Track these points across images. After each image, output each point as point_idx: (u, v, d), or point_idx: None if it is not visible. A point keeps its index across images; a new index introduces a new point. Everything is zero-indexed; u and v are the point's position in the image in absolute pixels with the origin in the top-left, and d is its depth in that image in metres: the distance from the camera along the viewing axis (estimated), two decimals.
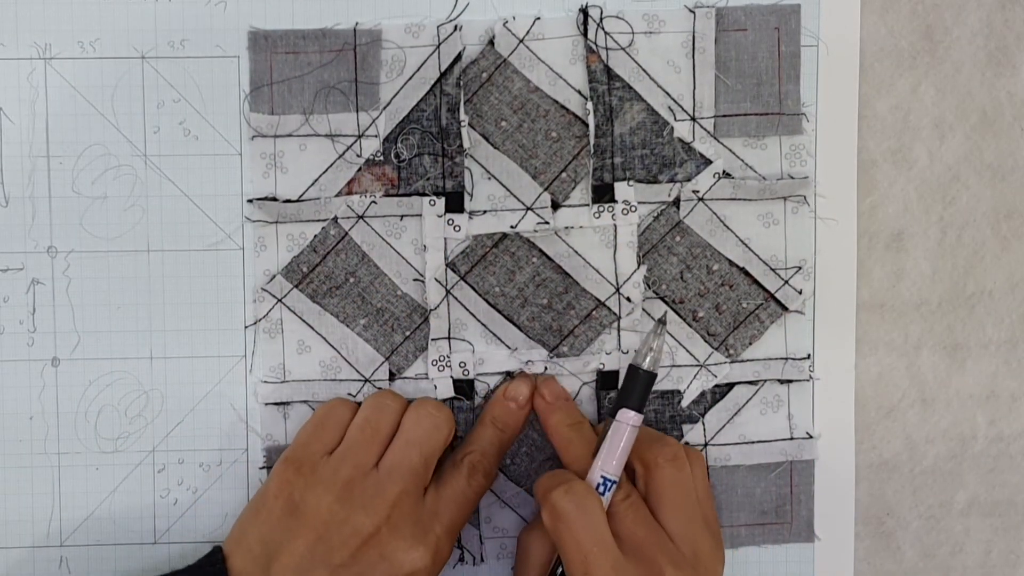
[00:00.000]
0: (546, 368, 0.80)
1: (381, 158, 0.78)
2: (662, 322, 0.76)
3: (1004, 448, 0.83)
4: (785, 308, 0.80)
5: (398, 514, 0.73)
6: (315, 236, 0.79)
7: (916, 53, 0.80)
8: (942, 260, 0.81)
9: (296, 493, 0.73)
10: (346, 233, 0.79)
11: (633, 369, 0.74)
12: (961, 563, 0.83)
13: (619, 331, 0.80)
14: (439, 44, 0.78)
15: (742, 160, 0.79)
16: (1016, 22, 0.80)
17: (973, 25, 0.80)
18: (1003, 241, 0.81)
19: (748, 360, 0.81)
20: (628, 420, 0.73)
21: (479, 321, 0.80)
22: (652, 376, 0.74)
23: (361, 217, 0.79)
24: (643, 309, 0.80)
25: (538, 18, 0.78)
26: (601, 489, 0.72)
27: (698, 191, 0.79)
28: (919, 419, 0.82)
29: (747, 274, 0.80)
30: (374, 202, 0.79)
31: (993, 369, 0.82)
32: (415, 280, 0.79)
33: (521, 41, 0.78)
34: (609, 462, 0.73)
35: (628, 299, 0.80)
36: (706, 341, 0.81)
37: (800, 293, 0.80)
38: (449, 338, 0.80)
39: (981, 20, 0.80)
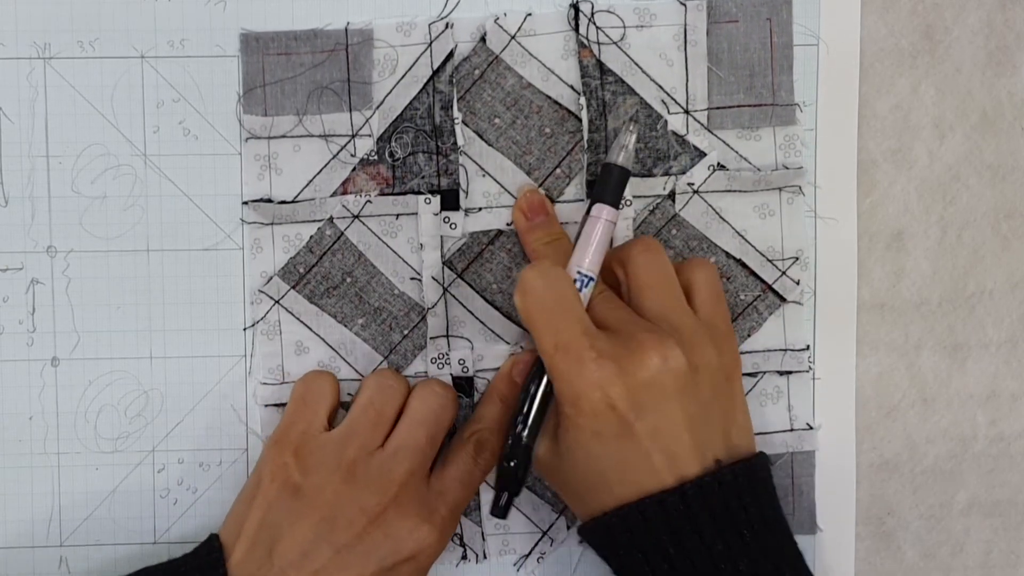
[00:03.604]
0: None
1: (375, 157, 0.70)
2: (634, 120, 0.68)
3: (1005, 448, 0.75)
4: (783, 299, 0.72)
5: (405, 493, 0.64)
6: (311, 237, 0.70)
7: (916, 53, 0.72)
8: (942, 260, 0.73)
9: (296, 476, 0.64)
10: (342, 233, 0.70)
11: (607, 166, 0.66)
12: (961, 563, 0.75)
13: None
14: (431, 42, 0.70)
15: (736, 152, 0.71)
16: (1016, 22, 0.73)
17: (973, 25, 0.72)
18: (1003, 241, 0.74)
19: (747, 352, 0.72)
20: (602, 215, 0.65)
21: (477, 318, 0.71)
22: (626, 172, 0.66)
23: (357, 217, 0.70)
24: None
25: (529, 14, 0.70)
26: (577, 286, 0.64)
27: (693, 184, 0.71)
28: (919, 419, 0.74)
29: (744, 266, 0.72)
30: (369, 201, 0.70)
31: (993, 369, 0.74)
32: (412, 279, 0.71)
33: (513, 37, 0.70)
34: (583, 257, 0.65)
35: None
36: None
37: (798, 284, 0.72)
38: (447, 336, 0.71)
39: (981, 20, 0.72)
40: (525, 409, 0.65)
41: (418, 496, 0.65)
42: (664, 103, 0.70)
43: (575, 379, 0.60)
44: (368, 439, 0.65)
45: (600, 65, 0.69)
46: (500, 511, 0.67)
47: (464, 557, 0.72)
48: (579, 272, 0.64)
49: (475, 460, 0.67)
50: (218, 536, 0.65)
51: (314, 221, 0.70)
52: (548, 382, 0.64)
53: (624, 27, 0.69)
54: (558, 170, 0.70)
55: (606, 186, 0.65)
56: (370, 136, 0.69)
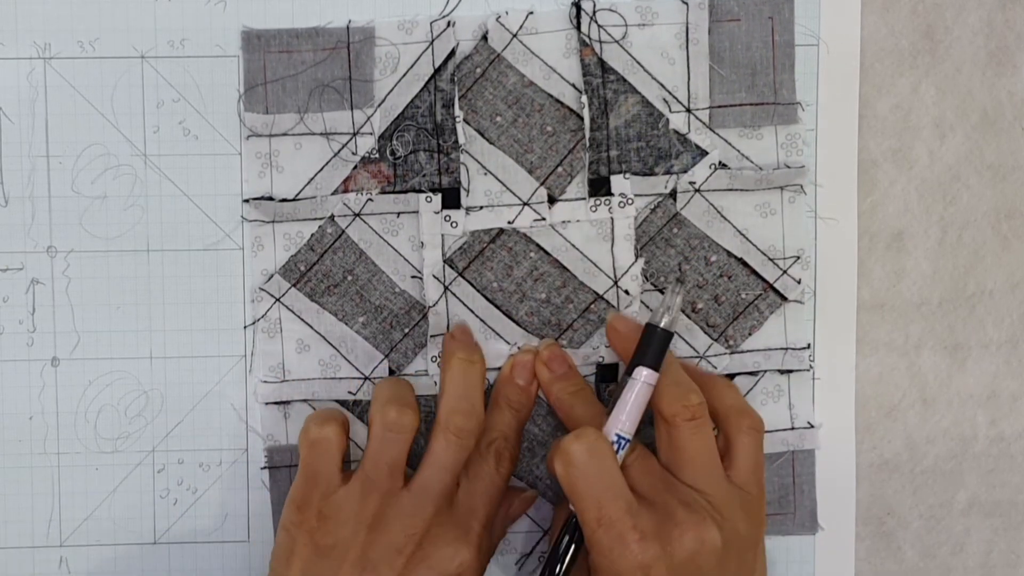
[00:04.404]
0: None
1: (377, 155, 0.69)
2: (680, 281, 0.68)
3: (1005, 448, 0.74)
4: (784, 298, 0.71)
5: (436, 525, 0.63)
6: (312, 235, 0.69)
7: (916, 52, 0.71)
8: (943, 260, 0.73)
9: (327, 538, 0.63)
10: (343, 231, 0.69)
11: (650, 327, 0.65)
12: (962, 563, 0.74)
13: None
14: (432, 40, 0.69)
15: (738, 151, 0.70)
16: (1016, 22, 0.72)
17: (974, 24, 0.72)
18: (1003, 241, 0.73)
19: (748, 351, 0.71)
20: (643, 378, 0.64)
21: (477, 317, 0.70)
22: (668, 335, 0.65)
23: (358, 215, 0.69)
24: (641, 301, 0.70)
25: (531, 12, 0.69)
26: (614, 448, 0.63)
27: (695, 182, 0.70)
28: (920, 419, 0.73)
29: (745, 264, 0.71)
30: (370, 199, 0.69)
31: (994, 369, 0.73)
32: (413, 277, 0.70)
33: (514, 36, 0.69)
34: (622, 421, 0.63)
35: (626, 292, 0.70)
36: (705, 332, 0.71)
37: (799, 283, 0.71)
38: (448, 334, 0.70)
39: (981, 19, 0.72)
40: (558, 569, 0.64)
41: (449, 522, 0.64)
42: (666, 101, 0.69)
43: (617, 558, 0.60)
44: (387, 488, 0.64)
45: (602, 63, 0.68)
46: None
47: None
48: (617, 435, 0.63)
49: (496, 471, 0.66)
50: None
51: (315, 219, 0.69)
52: (578, 538, 0.64)
53: (626, 25, 0.68)
54: (560, 168, 0.69)
55: (647, 348, 0.64)
56: (371, 134, 0.68)
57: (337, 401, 0.69)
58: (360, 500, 0.63)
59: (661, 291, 0.70)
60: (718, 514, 0.61)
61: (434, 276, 0.69)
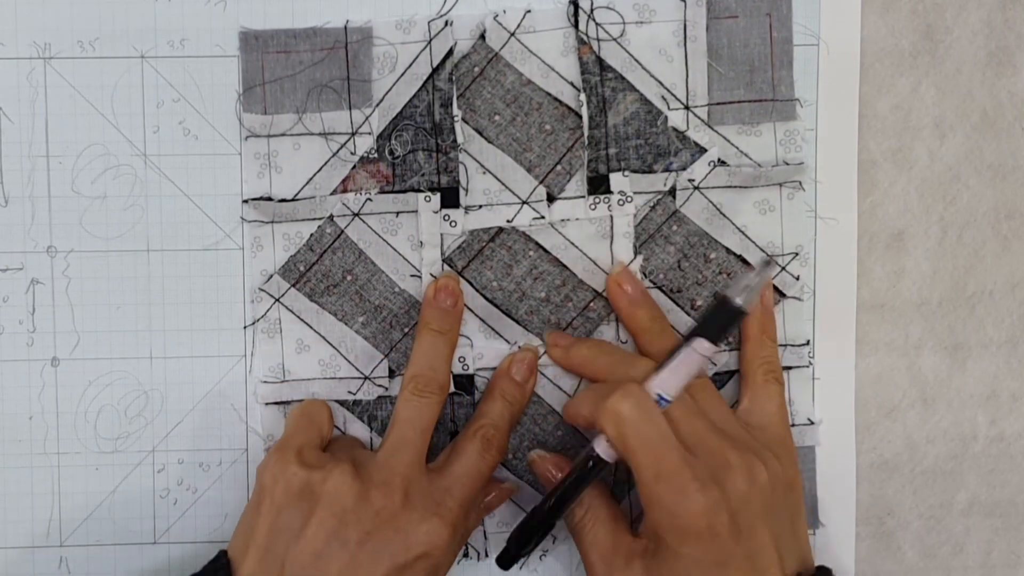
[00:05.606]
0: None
1: (375, 155, 0.68)
2: (768, 264, 0.65)
3: (1005, 448, 0.73)
4: (783, 294, 0.70)
5: (410, 488, 0.63)
6: (311, 235, 0.68)
7: (917, 53, 0.71)
8: (942, 260, 0.72)
9: (302, 475, 0.62)
10: (342, 231, 0.68)
11: (724, 301, 0.63)
12: (962, 563, 0.73)
13: (617, 322, 0.69)
14: (430, 40, 0.68)
15: (737, 148, 0.69)
16: (1016, 22, 0.71)
17: (974, 25, 0.71)
18: (1003, 241, 0.72)
19: None
20: (702, 350, 0.62)
21: (477, 316, 0.69)
22: (741, 313, 0.62)
23: (357, 215, 0.68)
24: None
25: (529, 11, 0.68)
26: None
27: (694, 180, 0.69)
28: (919, 419, 0.72)
29: (745, 262, 0.70)
30: (369, 199, 0.68)
31: (994, 369, 0.72)
32: (412, 276, 0.69)
33: (512, 35, 0.68)
34: (670, 383, 0.62)
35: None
36: None
37: (797, 279, 0.70)
38: None
39: (981, 20, 0.71)
40: (569, 500, 0.64)
41: (422, 491, 0.63)
42: (664, 99, 0.68)
43: (681, 511, 0.59)
44: (361, 450, 0.65)
45: (600, 61, 0.68)
46: (506, 565, 0.66)
47: (466, 555, 0.70)
48: (659, 395, 0.61)
49: (482, 456, 0.65)
50: (226, 552, 0.63)
51: (314, 219, 0.68)
52: (585, 477, 0.63)
53: (624, 23, 0.68)
54: (559, 167, 0.68)
55: (715, 322, 0.63)
56: (370, 134, 0.67)
57: (337, 401, 0.68)
58: (340, 450, 0.65)
59: (660, 288, 0.69)
60: (757, 456, 0.61)
61: (433, 275, 0.68)
